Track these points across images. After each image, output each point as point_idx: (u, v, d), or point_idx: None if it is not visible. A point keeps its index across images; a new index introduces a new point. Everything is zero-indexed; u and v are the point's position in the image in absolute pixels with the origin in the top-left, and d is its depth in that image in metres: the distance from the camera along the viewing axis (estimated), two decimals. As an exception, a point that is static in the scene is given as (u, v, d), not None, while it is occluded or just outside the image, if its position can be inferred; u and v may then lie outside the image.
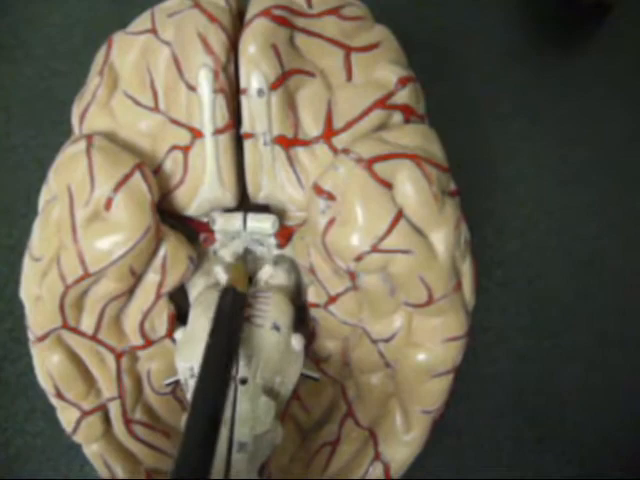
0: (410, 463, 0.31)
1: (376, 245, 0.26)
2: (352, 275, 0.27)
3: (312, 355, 0.32)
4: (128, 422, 0.31)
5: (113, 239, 0.26)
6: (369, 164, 0.26)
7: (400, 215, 0.26)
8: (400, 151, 0.26)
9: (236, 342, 0.26)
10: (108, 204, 0.26)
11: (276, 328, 0.28)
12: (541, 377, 0.40)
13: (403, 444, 0.31)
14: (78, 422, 0.30)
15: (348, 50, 0.29)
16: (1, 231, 0.41)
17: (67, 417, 0.31)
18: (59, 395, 0.30)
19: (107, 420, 0.31)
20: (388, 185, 0.26)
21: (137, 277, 0.28)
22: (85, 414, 0.30)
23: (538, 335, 0.41)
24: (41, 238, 0.28)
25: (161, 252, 0.28)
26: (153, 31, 0.29)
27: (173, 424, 0.32)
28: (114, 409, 0.31)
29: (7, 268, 0.41)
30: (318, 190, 0.27)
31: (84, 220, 0.27)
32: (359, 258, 0.26)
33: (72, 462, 0.38)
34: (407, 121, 0.29)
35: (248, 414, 0.26)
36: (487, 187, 0.43)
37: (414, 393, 0.30)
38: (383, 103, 0.28)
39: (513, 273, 0.42)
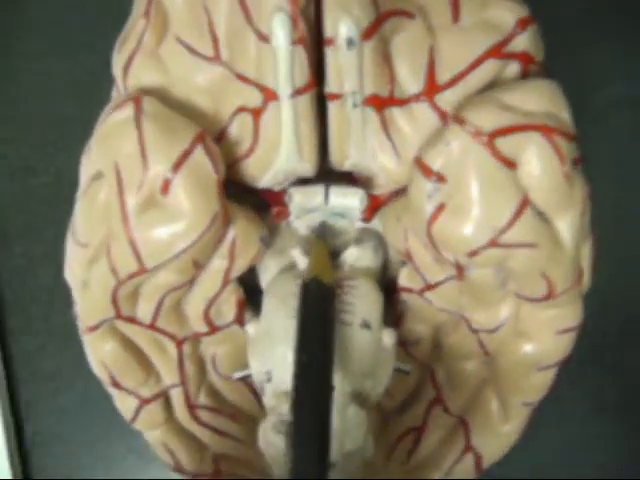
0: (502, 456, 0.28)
1: (495, 239, 0.21)
2: (459, 267, 0.23)
3: (399, 338, 0.28)
4: (192, 407, 0.28)
5: (173, 229, 0.22)
6: (490, 139, 0.21)
7: (526, 202, 0.21)
8: (526, 122, 0.21)
9: (331, 349, 0.21)
10: (165, 187, 0.22)
11: (366, 326, 0.23)
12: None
13: (498, 435, 0.27)
14: (137, 410, 0.27)
15: (455, -19, 0.23)
16: (39, 166, 0.36)
17: (125, 405, 0.27)
18: (115, 384, 0.26)
19: (168, 406, 0.28)
20: (512, 165, 0.21)
21: (201, 268, 0.24)
22: (144, 402, 0.27)
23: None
24: (86, 222, 0.23)
25: (229, 236, 0.23)
26: (212, -42, 0.23)
27: (241, 407, 0.29)
28: (176, 395, 0.28)
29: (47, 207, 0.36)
30: (426, 170, 0.22)
31: (137, 207, 0.22)
32: (474, 253, 0.22)
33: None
34: (525, 73, 0.23)
35: (336, 428, 0.22)
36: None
37: (516, 385, 0.26)
38: (498, 51, 0.23)
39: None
